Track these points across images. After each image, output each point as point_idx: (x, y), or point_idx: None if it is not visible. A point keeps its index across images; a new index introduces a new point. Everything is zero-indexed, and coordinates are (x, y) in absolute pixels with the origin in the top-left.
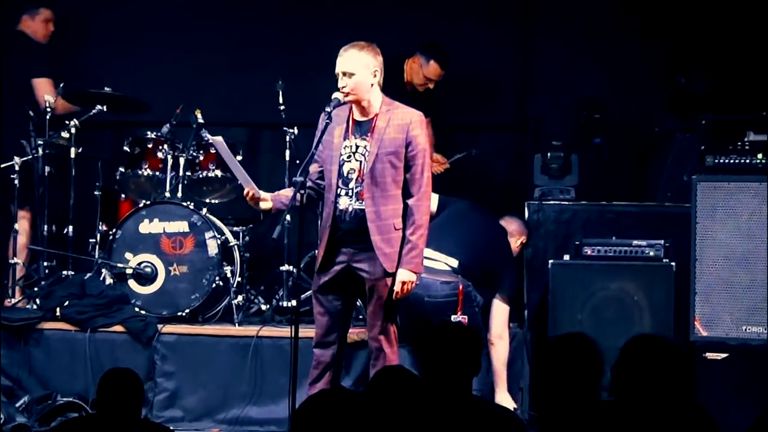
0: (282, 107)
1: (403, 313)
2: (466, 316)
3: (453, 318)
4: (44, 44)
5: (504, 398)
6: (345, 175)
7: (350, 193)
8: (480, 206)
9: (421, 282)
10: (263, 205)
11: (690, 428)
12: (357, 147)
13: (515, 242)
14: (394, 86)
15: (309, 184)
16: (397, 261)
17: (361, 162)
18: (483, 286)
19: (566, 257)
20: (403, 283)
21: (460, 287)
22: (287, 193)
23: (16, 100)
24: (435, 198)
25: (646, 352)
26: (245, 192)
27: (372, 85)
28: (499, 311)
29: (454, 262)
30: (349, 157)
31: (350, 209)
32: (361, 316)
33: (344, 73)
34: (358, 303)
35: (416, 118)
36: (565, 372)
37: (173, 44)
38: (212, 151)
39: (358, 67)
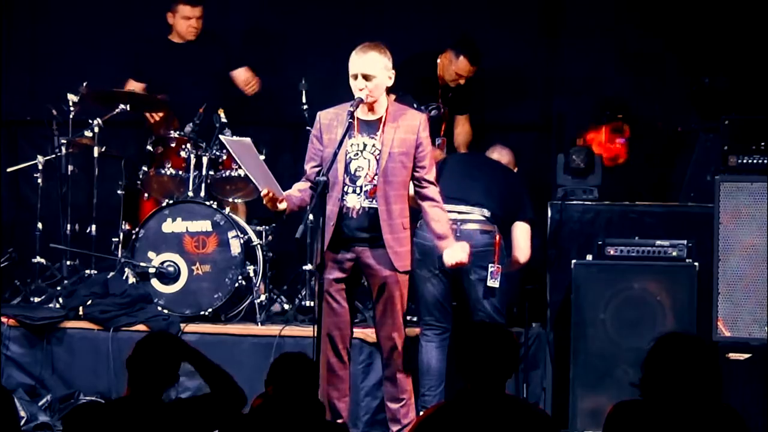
0: (305, 107)
1: (438, 280)
2: (500, 267)
3: (490, 267)
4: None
5: None
6: (353, 172)
7: (358, 191)
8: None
9: (462, 233)
10: (281, 206)
11: (721, 427)
12: (365, 145)
13: None
14: (426, 81)
15: (309, 185)
16: (406, 260)
17: (370, 160)
18: (508, 226)
19: (589, 257)
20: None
21: (497, 237)
22: (296, 193)
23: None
24: None
25: (676, 351)
26: (264, 192)
27: (387, 86)
28: (524, 231)
29: (487, 212)
30: (356, 154)
31: (358, 207)
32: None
33: (365, 76)
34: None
35: (423, 120)
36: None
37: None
38: None
39: (379, 70)
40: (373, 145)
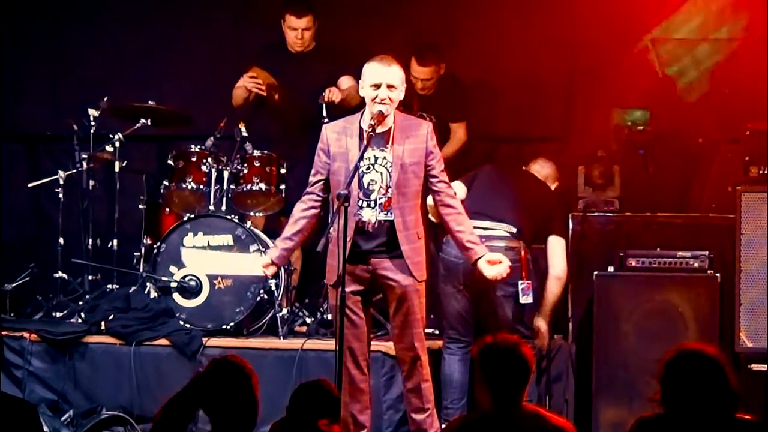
0: (325, 120)
1: (462, 296)
2: (531, 282)
3: (520, 284)
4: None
5: (542, 324)
6: (366, 186)
7: (373, 204)
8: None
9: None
10: (270, 272)
11: None
12: (376, 158)
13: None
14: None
15: (314, 198)
16: (423, 270)
17: (382, 173)
18: (535, 243)
19: (611, 269)
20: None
21: (523, 253)
22: (287, 244)
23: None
24: (460, 186)
25: (691, 362)
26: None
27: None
28: (559, 246)
29: (512, 228)
30: (368, 168)
31: (374, 220)
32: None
33: (389, 86)
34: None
35: (431, 128)
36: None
37: (217, 58)
38: (256, 164)
39: (400, 83)
40: (384, 158)
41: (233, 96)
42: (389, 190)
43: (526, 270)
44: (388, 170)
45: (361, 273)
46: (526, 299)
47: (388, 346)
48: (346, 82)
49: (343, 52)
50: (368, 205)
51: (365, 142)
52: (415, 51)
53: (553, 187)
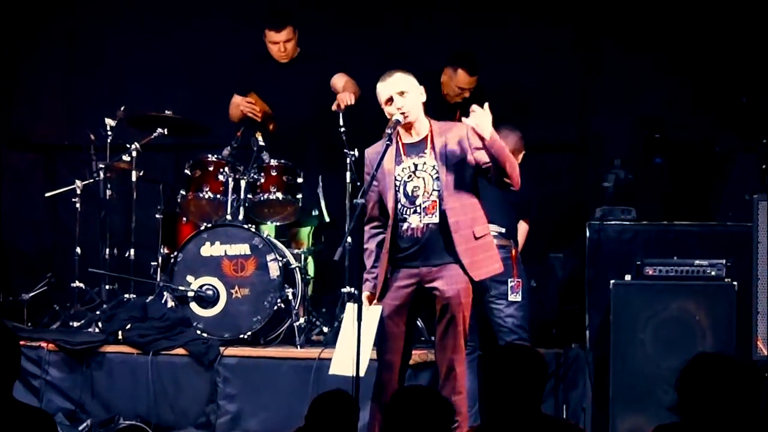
0: (342, 129)
1: None
2: (520, 280)
3: (510, 281)
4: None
5: None
6: (410, 194)
7: (418, 210)
8: None
9: None
10: (375, 301)
11: None
12: (415, 165)
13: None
14: (432, 101)
15: (376, 225)
16: (482, 268)
17: (424, 178)
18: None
19: (628, 277)
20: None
21: (514, 252)
22: (375, 273)
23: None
24: None
25: (709, 371)
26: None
27: (422, 104)
28: (521, 230)
29: (501, 228)
30: (410, 177)
31: (422, 225)
32: (423, 338)
33: (400, 93)
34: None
35: (469, 128)
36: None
37: (234, 67)
38: (273, 173)
39: (410, 87)
40: (424, 163)
41: (230, 114)
42: (433, 193)
43: (516, 268)
44: (430, 174)
45: (407, 284)
46: (515, 297)
47: None
48: (339, 80)
49: (329, 54)
50: (415, 212)
51: (382, 151)
52: (460, 62)
53: (519, 159)
